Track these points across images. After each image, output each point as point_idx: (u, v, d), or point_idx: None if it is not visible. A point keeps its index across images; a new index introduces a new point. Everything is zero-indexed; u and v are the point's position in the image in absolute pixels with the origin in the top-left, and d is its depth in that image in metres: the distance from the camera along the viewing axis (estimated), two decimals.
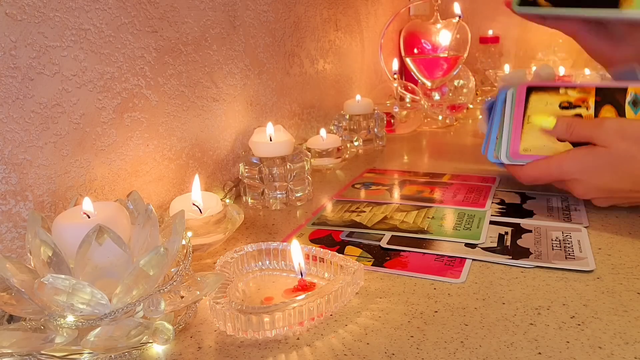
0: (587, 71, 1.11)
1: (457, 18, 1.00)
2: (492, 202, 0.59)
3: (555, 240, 0.48)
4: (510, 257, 0.46)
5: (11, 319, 0.37)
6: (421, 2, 1.16)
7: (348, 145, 0.81)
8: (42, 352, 0.33)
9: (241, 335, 0.37)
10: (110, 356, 0.34)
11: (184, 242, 0.40)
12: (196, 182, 0.52)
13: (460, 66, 1.03)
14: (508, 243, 0.49)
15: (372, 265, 0.46)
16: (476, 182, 0.67)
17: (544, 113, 0.53)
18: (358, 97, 0.87)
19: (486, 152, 0.58)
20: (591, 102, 0.52)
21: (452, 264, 0.45)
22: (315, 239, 0.52)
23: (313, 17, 0.86)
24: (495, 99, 0.58)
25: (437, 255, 0.47)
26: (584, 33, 0.59)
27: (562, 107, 0.53)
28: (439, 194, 0.63)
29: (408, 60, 1.06)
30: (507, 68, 1.27)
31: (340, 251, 0.49)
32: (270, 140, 0.62)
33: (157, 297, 0.35)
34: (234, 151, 0.69)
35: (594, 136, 0.49)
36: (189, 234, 0.46)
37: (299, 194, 0.63)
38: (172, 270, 0.39)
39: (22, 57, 0.42)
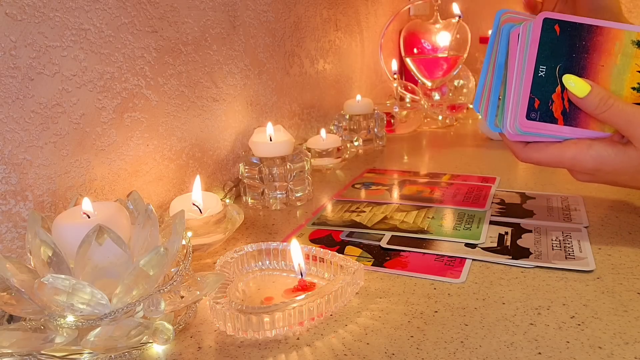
0: None
1: (457, 18, 1.00)
2: (492, 202, 0.59)
3: (555, 240, 0.48)
4: (510, 257, 0.46)
5: (11, 319, 0.37)
6: (421, 2, 1.16)
7: (348, 145, 0.81)
8: (42, 352, 0.33)
9: (241, 335, 0.37)
10: (110, 356, 0.34)
11: (184, 242, 0.40)
12: (197, 183, 0.52)
13: (460, 66, 1.03)
14: (508, 243, 0.49)
15: (372, 265, 0.46)
16: (476, 182, 0.67)
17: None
18: (358, 97, 0.87)
19: (484, 115, 0.49)
20: None
21: (452, 264, 0.45)
22: (315, 239, 0.52)
23: (313, 17, 0.86)
24: (506, 29, 0.46)
25: (437, 255, 0.47)
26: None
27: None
28: (439, 194, 0.63)
29: (408, 60, 1.06)
30: None
31: (340, 251, 0.49)
32: (270, 140, 0.62)
33: (157, 297, 0.35)
34: (234, 151, 0.69)
35: (631, 131, 0.41)
36: (189, 234, 0.46)
37: (299, 194, 0.63)
38: (172, 270, 0.39)
39: (22, 57, 0.42)
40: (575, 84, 0.43)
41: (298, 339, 0.36)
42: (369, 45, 1.09)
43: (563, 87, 0.43)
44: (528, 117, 0.44)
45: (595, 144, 0.43)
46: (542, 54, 0.43)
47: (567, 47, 0.43)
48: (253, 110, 0.73)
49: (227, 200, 0.63)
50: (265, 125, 0.63)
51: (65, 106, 0.46)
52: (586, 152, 0.43)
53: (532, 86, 0.44)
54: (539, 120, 0.44)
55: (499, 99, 0.47)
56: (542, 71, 0.44)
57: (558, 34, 0.43)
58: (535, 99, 0.44)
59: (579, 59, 0.43)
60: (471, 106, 1.11)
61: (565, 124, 0.44)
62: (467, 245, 0.49)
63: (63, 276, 0.32)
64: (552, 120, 0.44)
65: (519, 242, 0.49)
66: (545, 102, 0.44)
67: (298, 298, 0.37)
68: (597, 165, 0.43)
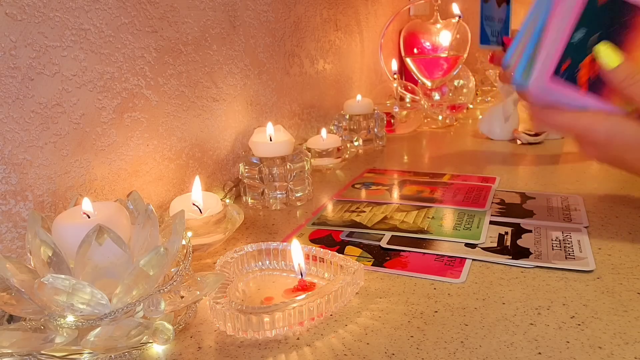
0: None
1: (457, 18, 1.00)
2: (492, 202, 0.59)
3: (555, 240, 0.48)
4: (510, 257, 0.46)
5: (11, 319, 0.37)
6: (421, 2, 1.16)
7: (348, 145, 0.81)
8: (42, 352, 0.33)
9: (241, 335, 0.37)
10: (110, 356, 0.34)
11: (184, 242, 0.40)
12: (197, 183, 0.52)
13: (460, 66, 1.03)
14: (508, 243, 0.49)
15: (372, 265, 0.46)
16: (476, 182, 0.67)
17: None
18: (358, 97, 0.87)
19: (513, 67, 0.48)
20: None
21: (452, 264, 0.45)
22: (315, 239, 0.52)
23: (313, 17, 0.86)
24: None
25: (437, 255, 0.47)
26: None
27: None
28: (439, 194, 0.63)
29: (408, 60, 1.06)
30: None
31: (340, 251, 0.49)
32: (270, 140, 0.62)
33: (157, 297, 0.35)
34: (234, 151, 0.69)
35: None
36: (189, 234, 0.46)
37: (299, 194, 0.63)
38: (172, 270, 0.39)
39: (22, 57, 0.42)
40: (607, 54, 0.43)
41: (298, 339, 0.36)
42: (369, 45, 1.09)
43: (594, 57, 0.44)
44: (555, 75, 0.44)
45: (612, 116, 0.43)
46: (583, 20, 0.44)
47: (609, 19, 0.43)
48: (253, 110, 0.73)
49: (227, 200, 0.63)
50: (265, 125, 0.63)
51: (65, 106, 0.46)
52: (602, 122, 0.43)
53: (566, 48, 0.44)
54: (564, 81, 0.44)
55: (531, 54, 0.47)
56: (578, 36, 0.44)
57: (604, 3, 0.43)
58: (566, 60, 0.44)
59: (617, 33, 0.44)
60: (471, 106, 1.11)
61: (588, 93, 0.44)
62: (467, 245, 0.49)
63: (63, 276, 0.32)
64: (576, 86, 0.44)
65: (519, 242, 0.49)
66: (574, 67, 0.44)
67: (298, 298, 0.37)
68: (609, 138, 0.43)
